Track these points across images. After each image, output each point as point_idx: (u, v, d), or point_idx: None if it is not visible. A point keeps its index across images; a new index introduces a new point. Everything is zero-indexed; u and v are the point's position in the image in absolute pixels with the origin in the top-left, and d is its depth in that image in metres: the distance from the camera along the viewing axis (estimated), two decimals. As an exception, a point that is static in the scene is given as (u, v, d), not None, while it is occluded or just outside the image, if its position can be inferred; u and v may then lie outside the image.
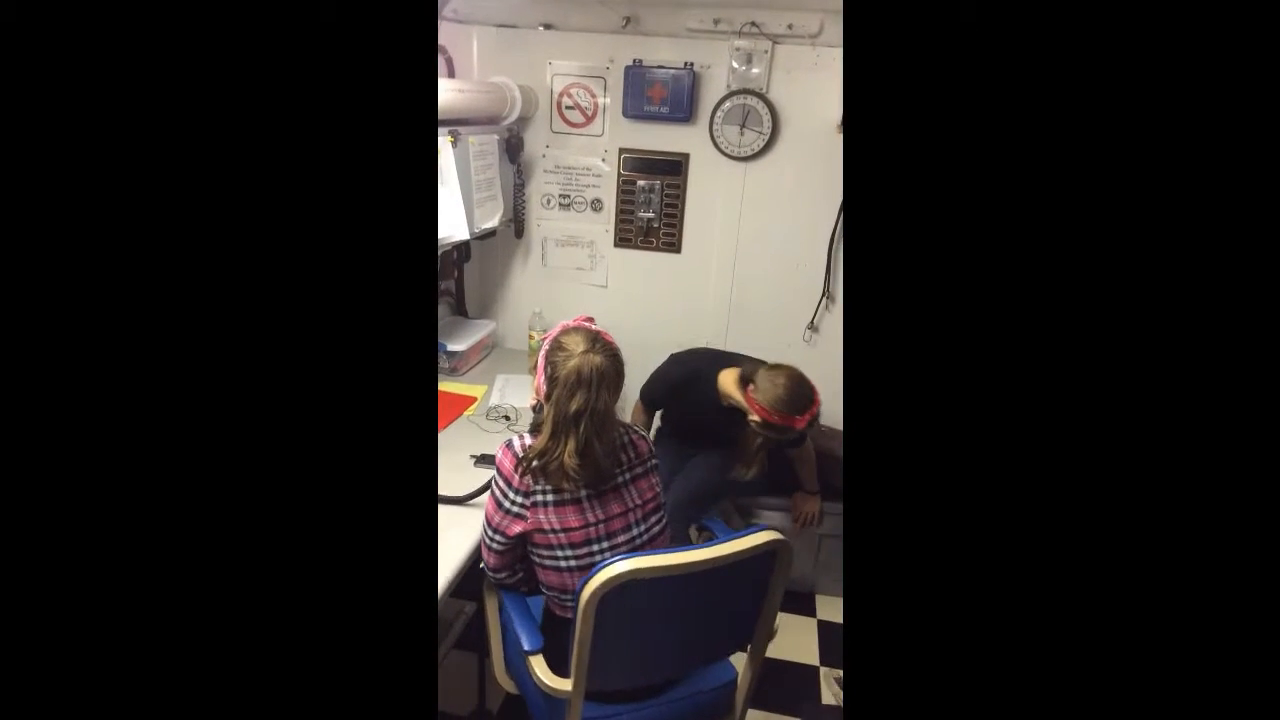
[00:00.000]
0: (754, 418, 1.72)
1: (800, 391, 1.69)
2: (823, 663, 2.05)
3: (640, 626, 1.19)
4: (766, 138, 2.17)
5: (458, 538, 1.35)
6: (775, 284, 2.32)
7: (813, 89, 2.11)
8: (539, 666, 1.24)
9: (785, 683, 1.95)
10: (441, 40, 2.12)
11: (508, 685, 1.45)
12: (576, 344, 1.19)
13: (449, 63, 2.17)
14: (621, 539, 1.27)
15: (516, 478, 1.22)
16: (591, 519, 1.24)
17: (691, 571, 1.11)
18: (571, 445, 1.18)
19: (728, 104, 2.17)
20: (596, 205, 2.37)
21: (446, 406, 1.94)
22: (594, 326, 1.25)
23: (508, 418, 1.92)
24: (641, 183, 2.31)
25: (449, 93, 1.84)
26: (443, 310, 2.43)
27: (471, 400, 2.01)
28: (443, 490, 1.47)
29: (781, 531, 1.20)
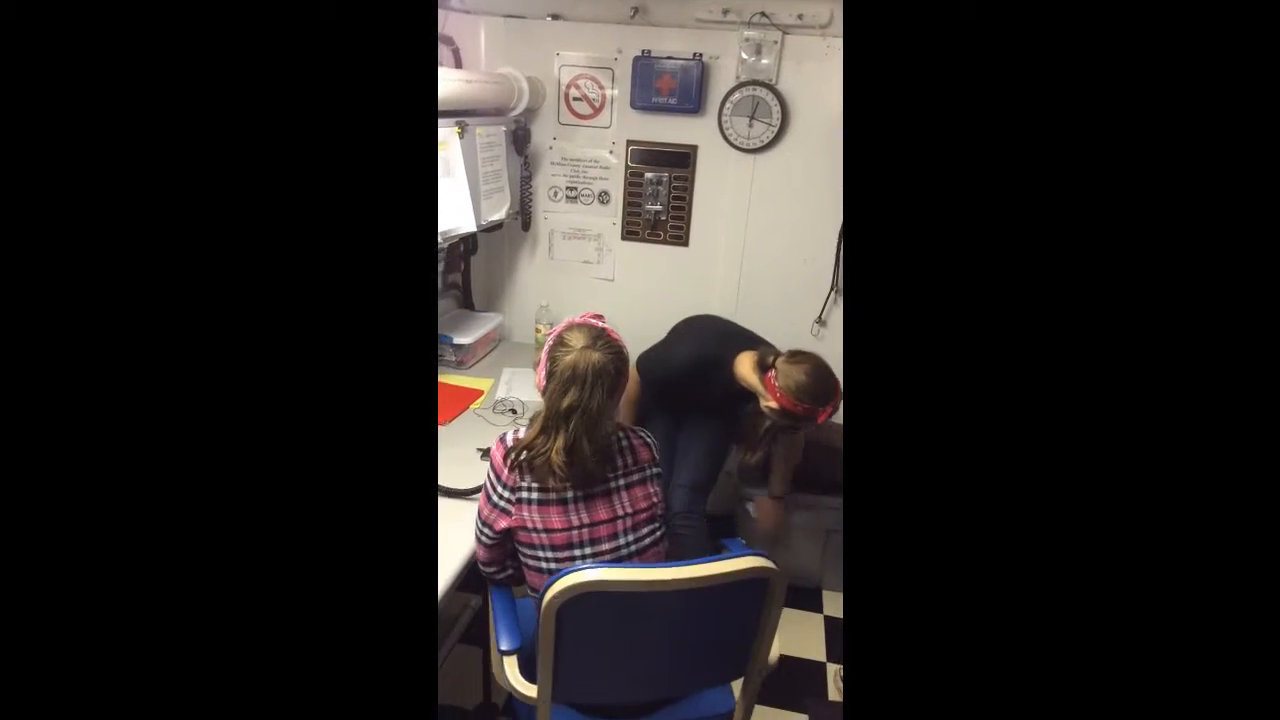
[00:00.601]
0: (770, 404, 1.62)
1: (825, 382, 1.60)
2: (830, 659, 2.05)
3: (610, 640, 1.14)
4: (776, 129, 2.14)
5: (463, 531, 1.34)
6: (783, 277, 2.30)
7: (823, 80, 2.09)
8: (510, 668, 1.22)
9: (792, 678, 1.95)
10: (449, 31, 2.11)
11: (502, 681, 1.45)
12: (577, 340, 1.18)
13: (456, 53, 2.15)
14: (606, 546, 1.22)
15: (505, 471, 1.21)
16: (575, 521, 1.21)
17: (663, 590, 1.06)
18: (560, 442, 1.16)
19: (737, 95, 2.14)
20: (604, 198, 2.36)
21: (453, 399, 1.94)
22: (601, 323, 1.23)
23: (514, 411, 1.91)
24: (649, 175, 2.29)
25: (456, 83, 1.83)
26: (449, 303, 2.43)
27: (478, 393, 2.00)
28: (449, 483, 1.46)
29: (764, 549, 1.14)
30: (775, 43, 2.08)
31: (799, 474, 2.10)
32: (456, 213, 1.87)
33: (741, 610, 1.17)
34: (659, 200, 2.31)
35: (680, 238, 2.34)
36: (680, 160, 2.26)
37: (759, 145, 2.17)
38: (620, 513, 1.23)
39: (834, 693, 1.93)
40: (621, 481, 1.25)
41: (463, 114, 1.89)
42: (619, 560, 1.23)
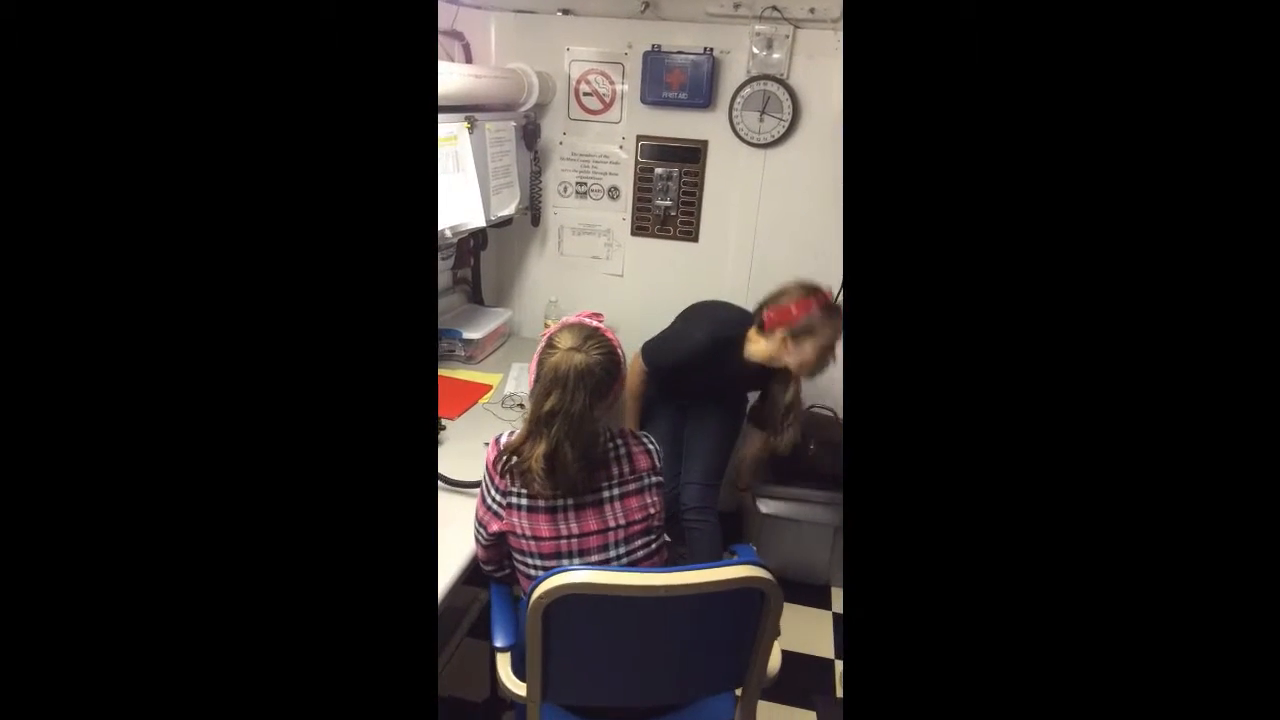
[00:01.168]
0: (781, 335, 1.64)
1: (806, 283, 1.66)
2: (838, 656, 2.04)
3: (598, 643, 1.12)
4: (787, 124, 2.13)
5: (470, 525, 1.35)
6: (793, 273, 2.24)
7: (834, 75, 2.07)
8: (502, 666, 1.22)
9: (799, 675, 1.94)
10: (459, 26, 2.11)
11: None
12: (565, 340, 1.14)
13: (466, 49, 2.15)
14: (595, 558, 1.18)
15: (496, 475, 1.19)
16: (564, 531, 1.16)
17: (651, 595, 1.03)
18: (542, 448, 1.11)
19: (747, 90, 2.13)
20: (613, 193, 2.36)
21: (462, 394, 1.94)
22: (595, 323, 1.19)
23: (523, 406, 1.91)
24: (659, 170, 2.29)
25: (465, 78, 1.83)
26: (459, 298, 2.43)
27: (487, 388, 2.01)
28: (456, 476, 1.47)
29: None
30: (787, 37, 2.07)
31: (808, 472, 2.10)
32: (466, 208, 1.87)
33: (737, 620, 1.13)
34: (669, 195, 2.30)
35: (690, 233, 2.34)
36: (690, 155, 2.25)
37: (770, 140, 2.16)
38: (612, 524, 1.18)
39: (841, 690, 1.93)
40: (616, 491, 1.19)
41: (473, 109, 1.89)
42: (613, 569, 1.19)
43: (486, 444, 1.65)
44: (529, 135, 2.26)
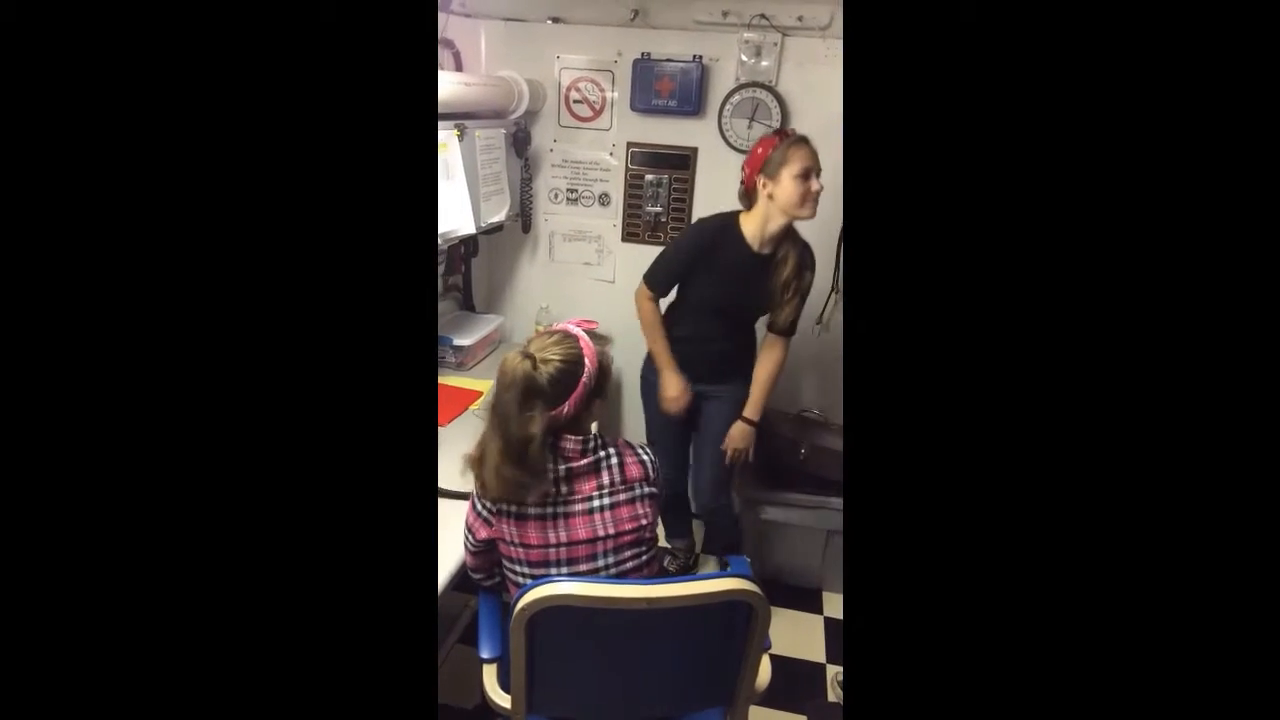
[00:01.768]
0: (761, 184, 1.67)
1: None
2: (830, 660, 2.04)
3: (583, 655, 1.12)
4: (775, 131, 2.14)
5: (459, 531, 1.35)
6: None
7: (822, 82, 2.09)
8: (488, 677, 1.21)
9: (791, 680, 1.94)
10: (449, 34, 2.12)
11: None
12: (531, 344, 1.14)
13: (456, 57, 2.16)
14: (583, 567, 1.17)
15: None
16: (553, 539, 1.16)
17: (634, 608, 1.02)
18: (484, 450, 1.13)
19: (736, 97, 2.15)
20: (604, 199, 2.36)
21: (453, 401, 1.94)
22: (576, 330, 1.17)
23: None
24: (649, 177, 2.30)
25: (456, 86, 1.84)
26: (450, 305, 2.43)
27: (477, 395, 2.00)
28: (447, 485, 1.47)
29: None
30: (775, 45, 2.08)
31: (800, 476, 2.10)
32: (456, 215, 1.87)
33: (724, 633, 1.12)
34: (659, 202, 2.31)
35: (680, 239, 2.34)
36: (680, 162, 2.27)
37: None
38: (601, 533, 1.17)
39: (832, 694, 1.93)
40: (606, 500, 1.18)
41: (463, 117, 1.90)
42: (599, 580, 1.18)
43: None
44: (519, 142, 2.27)
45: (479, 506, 1.20)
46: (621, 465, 1.20)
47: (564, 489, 1.16)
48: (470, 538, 1.24)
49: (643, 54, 2.16)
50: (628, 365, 2.41)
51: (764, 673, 1.22)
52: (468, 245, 2.37)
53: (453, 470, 1.52)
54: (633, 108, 2.22)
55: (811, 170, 1.64)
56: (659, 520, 1.25)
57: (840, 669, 2.00)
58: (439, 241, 1.84)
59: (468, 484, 1.45)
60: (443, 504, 1.45)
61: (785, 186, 1.64)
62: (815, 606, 2.24)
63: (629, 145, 2.28)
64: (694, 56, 2.14)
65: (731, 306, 1.83)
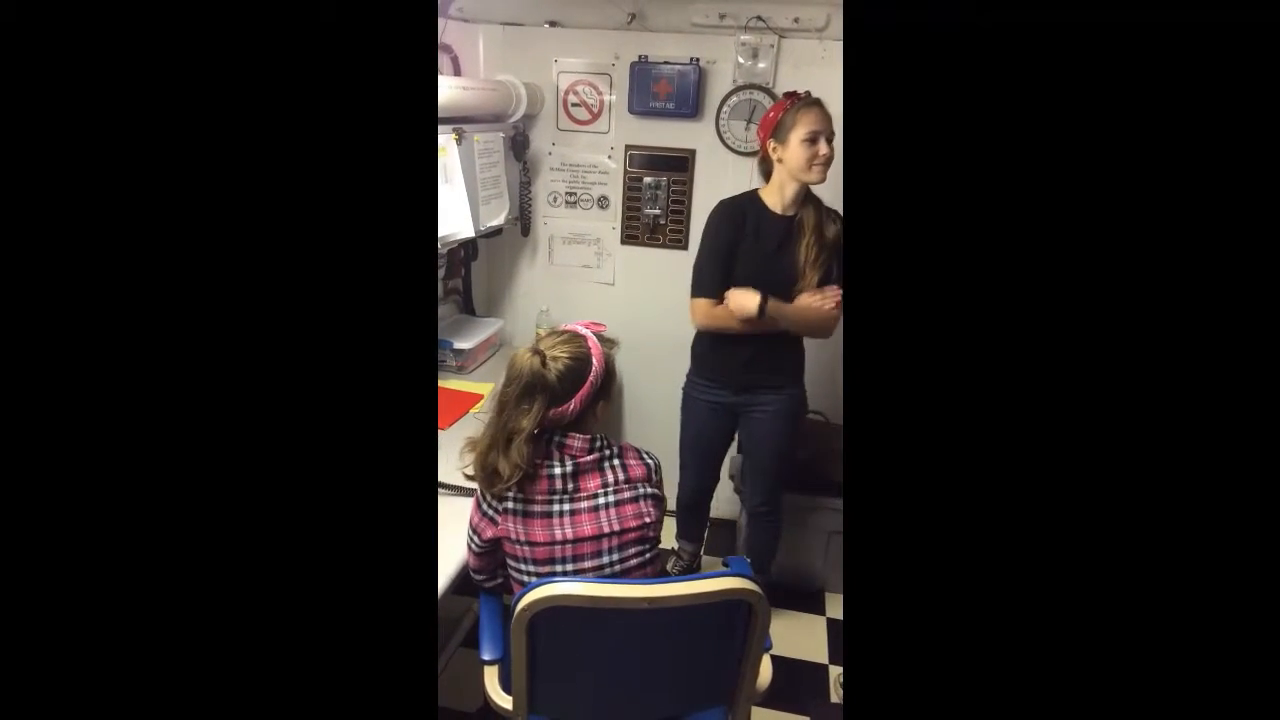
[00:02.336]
0: (772, 149, 1.65)
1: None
2: (832, 661, 2.04)
3: (584, 656, 1.12)
4: (773, 133, 2.15)
5: (461, 532, 1.35)
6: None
7: (819, 83, 2.07)
8: (489, 678, 1.21)
9: (794, 681, 1.94)
10: (447, 39, 2.12)
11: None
12: (542, 341, 1.18)
13: (454, 61, 2.17)
14: (589, 564, 1.18)
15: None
16: (559, 536, 1.17)
17: (635, 607, 1.02)
18: (482, 433, 1.18)
19: (734, 99, 2.15)
20: (603, 202, 2.37)
21: (453, 404, 1.94)
22: (585, 331, 1.19)
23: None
24: (648, 179, 2.30)
25: (454, 90, 1.84)
26: (450, 308, 2.44)
27: (478, 398, 2.01)
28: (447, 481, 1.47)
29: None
30: (772, 47, 2.09)
31: (802, 478, 2.10)
32: (455, 219, 1.88)
33: (724, 632, 1.12)
34: (658, 204, 2.32)
35: (680, 241, 2.35)
36: (678, 164, 2.27)
37: (756, 148, 2.17)
38: (607, 529, 1.18)
39: (835, 696, 1.93)
40: (611, 498, 1.19)
41: (461, 121, 1.90)
42: (601, 579, 1.19)
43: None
44: (518, 146, 2.27)
45: (484, 506, 1.21)
46: (625, 466, 1.22)
47: (570, 485, 1.17)
48: (475, 538, 1.24)
49: (640, 57, 2.17)
50: (628, 369, 2.42)
51: (765, 673, 1.22)
52: (467, 249, 2.38)
53: (451, 473, 1.53)
54: (630, 110, 2.22)
55: (820, 134, 1.60)
56: (662, 521, 1.26)
57: (842, 670, 2.00)
58: (439, 245, 1.85)
59: (463, 487, 1.46)
60: (443, 504, 1.45)
61: (793, 150, 1.62)
62: (817, 608, 2.24)
63: (627, 148, 2.29)
64: (691, 59, 2.14)
65: (774, 279, 1.70)
